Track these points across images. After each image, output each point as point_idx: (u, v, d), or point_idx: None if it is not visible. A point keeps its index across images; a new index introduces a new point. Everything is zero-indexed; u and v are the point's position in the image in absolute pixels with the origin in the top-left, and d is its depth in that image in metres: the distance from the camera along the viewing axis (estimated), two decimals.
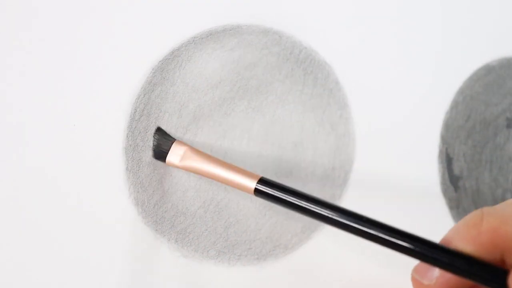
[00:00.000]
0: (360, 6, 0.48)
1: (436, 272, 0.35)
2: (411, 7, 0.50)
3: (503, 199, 0.53)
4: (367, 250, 0.50)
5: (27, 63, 0.41)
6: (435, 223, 0.51)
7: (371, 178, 0.50)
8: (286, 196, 0.40)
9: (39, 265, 0.42)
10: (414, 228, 0.51)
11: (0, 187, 0.41)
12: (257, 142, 0.47)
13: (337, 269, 0.49)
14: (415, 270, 0.38)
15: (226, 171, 0.41)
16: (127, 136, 0.43)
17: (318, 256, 0.48)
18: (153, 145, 0.43)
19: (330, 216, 0.39)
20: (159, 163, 0.43)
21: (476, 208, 0.52)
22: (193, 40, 0.44)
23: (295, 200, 0.39)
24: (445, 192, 0.51)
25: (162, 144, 0.43)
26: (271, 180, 0.41)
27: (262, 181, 0.40)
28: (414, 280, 0.37)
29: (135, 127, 0.43)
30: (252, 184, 0.40)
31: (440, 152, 0.51)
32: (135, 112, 0.43)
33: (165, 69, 0.44)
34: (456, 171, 0.52)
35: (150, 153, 0.43)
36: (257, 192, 0.40)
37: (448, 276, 0.35)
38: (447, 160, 0.51)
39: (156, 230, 0.44)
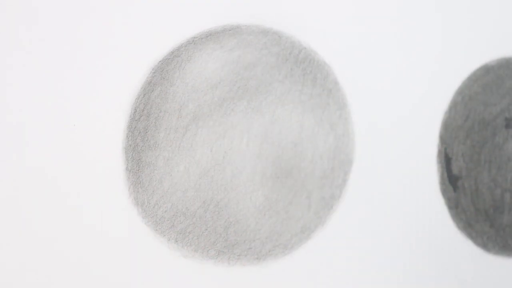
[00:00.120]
0: (359, 6, 0.48)
1: None
2: (410, 7, 0.50)
3: (502, 199, 0.53)
4: (366, 250, 0.50)
5: (27, 63, 0.41)
6: (434, 223, 0.52)
7: (370, 178, 0.50)
8: None
9: (39, 265, 0.42)
10: (413, 228, 0.51)
11: (0, 187, 0.41)
12: (256, 142, 0.47)
13: (337, 269, 0.49)
14: None
15: None
16: (127, 136, 0.43)
17: (318, 256, 0.48)
18: None
19: None
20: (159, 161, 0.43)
21: (475, 207, 0.53)
22: (193, 40, 0.44)
23: None
24: (444, 192, 0.52)
25: None
26: None
27: None
28: None
29: (135, 127, 0.43)
30: None
31: (439, 152, 0.51)
32: (135, 112, 0.43)
33: (165, 69, 0.44)
34: (455, 171, 0.52)
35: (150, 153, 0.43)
36: None
37: None
38: (446, 160, 0.52)
39: (156, 230, 0.44)
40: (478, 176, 0.52)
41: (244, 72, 0.46)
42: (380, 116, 0.50)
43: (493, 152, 0.53)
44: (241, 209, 0.46)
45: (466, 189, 0.52)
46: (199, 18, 0.44)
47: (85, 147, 0.42)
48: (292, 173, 0.48)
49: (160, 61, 0.44)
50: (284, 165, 0.47)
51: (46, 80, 0.41)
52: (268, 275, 0.47)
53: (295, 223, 0.48)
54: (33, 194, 0.41)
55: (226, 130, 0.46)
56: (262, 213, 0.47)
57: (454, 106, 0.52)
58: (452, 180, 0.52)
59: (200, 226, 0.45)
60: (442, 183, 0.51)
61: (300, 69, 0.47)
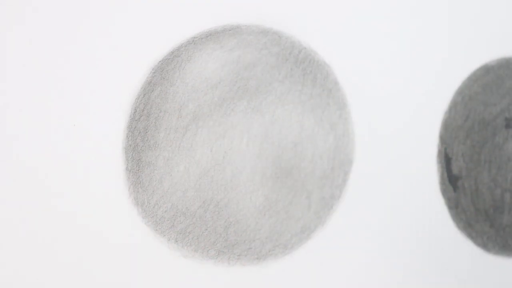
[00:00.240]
0: (359, 7, 0.48)
1: None
2: (410, 8, 0.50)
3: (502, 199, 0.53)
4: (366, 250, 0.50)
5: (27, 63, 0.41)
6: (434, 223, 0.52)
7: (370, 178, 0.50)
8: None
9: (38, 265, 0.42)
10: (413, 228, 0.51)
11: (0, 187, 0.41)
12: (256, 142, 0.47)
13: (337, 269, 0.49)
14: None
15: None
16: (127, 136, 0.43)
17: (318, 256, 0.48)
18: None
19: None
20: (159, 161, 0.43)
21: (475, 207, 0.53)
22: (193, 40, 0.44)
23: None
24: (444, 191, 0.52)
25: None
26: None
27: None
28: None
29: (135, 127, 0.43)
30: None
31: (439, 152, 0.51)
32: (135, 112, 0.43)
33: (165, 69, 0.44)
34: (455, 171, 0.52)
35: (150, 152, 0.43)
36: None
37: None
38: (446, 160, 0.52)
39: (156, 230, 0.44)
40: (478, 176, 0.52)
41: (244, 72, 0.46)
42: (380, 116, 0.50)
43: (493, 152, 0.53)
44: (241, 209, 0.46)
45: (466, 189, 0.52)
46: (199, 18, 0.44)
47: (85, 147, 0.42)
48: (292, 173, 0.48)
49: (160, 61, 0.44)
50: (284, 165, 0.47)
51: (46, 80, 0.41)
52: (268, 275, 0.47)
53: (295, 223, 0.48)
54: (33, 194, 0.41)
55: (226, 130, 0.46)
56: (262, 213, 0.47)
57: (454, 106, 0.51)
58: (452, 180, 0.52)
59: (200, 226, 0.45)
60: (442, 183, 0.51)
61: (300, 69, 0.47)
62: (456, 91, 0.51)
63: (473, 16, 0.51)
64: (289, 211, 0.48)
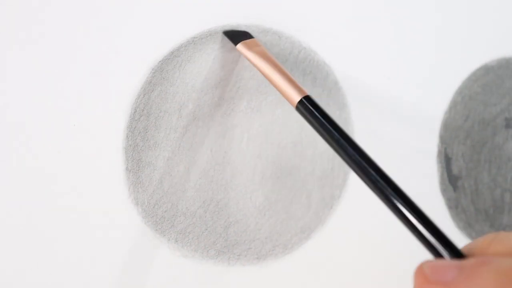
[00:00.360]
0: (359, 6, 0.48)
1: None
2: (410, 8, 0.50)
3: (502, 199, 0.53)
4: (366, 250, 0.50)
5: (26, 63, 0.41)
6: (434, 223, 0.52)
7: None
8: (323, 121, 0.38)
9: (38, 265, 0.42)
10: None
11: (0, 187, 0.41)
12: (256, 142, 0.47)
13: (337, 269, 0.49)
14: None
15: (280, 75, 0.41)
16: (127, 136, 0.43)
17: (318, 256, 0.48)
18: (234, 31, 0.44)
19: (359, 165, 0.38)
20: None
21: (475, 207, 0.53)
22: (193, 40, 0.44)
23: (328, 130, 0.38)
24: (444, 191, 0.52)
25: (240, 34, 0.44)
26: (315, 101, 0.39)
27: (307, 98, 0.39)
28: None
29: (135, 127, 0.43)
30: (297, 97, 0.40)
31: (439, 152, 0.52)
32: (135, 112, 0.43)
33: (165, 69, 0.44)
34: (455, 171, 0.52)
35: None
36: (298, 107, 0.39)
37: None
38: (446, 160, 0.52)
39: (156, 230, 0.44)
40: (478, 176, 0.52)
41: (244, 72, 0.46)
42: (379, 116, 0.50)
43: (493, 152, 0.53)
44: (241, 209, 0.47)
45: (466, 189, 0.52)
46: (199, 18, 0.44)
47: (85, 147, 0.42)
48: (292, 173, 0.48)
49: (160, 61, 0.44)
50: (284, 165, 0.47)
51: (45, 80, 0.41)
52: (268, 275, 0.47)
53: (295, 223, 0.48)
54: (33, 194, 0.41)
55: (226, 130, 0.46)
56: (262, 213, 0.47)
57: (454, 106, 0.52)
58: (452, 180, 0.52)
59: (200, 226, 0.45)
60: (442, 183, 0.51)
61: (300, 69, 0.47)
62: (456, 91, 0.52)
63: (473, 16, 0.52)
64: (289, 211, 0.48)
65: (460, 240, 0.52)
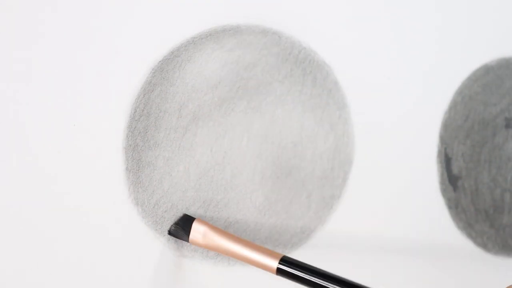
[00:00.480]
0: (359, 7, 0.48)
1: None
2: (410, 8, 0.50)
3: (502, 199, 0.53)
4: (366, 250, 0.50)
5: (27, 64, 0.41)
6: (434, 223, 0.52)
7: (370, 178, 0.50)
8: (309, 276, 0.40)
9: (38, 265, 0.42)
10: (413, 228, 0.51)
11: (0, 187, 0.41)
12: (256, 142, 0.47)
13: (337, 269, 0.49)
14: None
15: (247, 250, 0.41)
16: (127, 136, 0.43)
17: (318, 256, 0.48)
18: (176, 226, 0.44)
19: None
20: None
21: (475, 207, 0.53)
22: (193, 41, 0.44)
23: (318, 280, 0.39)
24: (444, 191, 0.52)
25: (183, 225, 0.44)
26: (293, 260, 0.40)
27: (284, 260, 0.40)
28: None
29: (135, 127, 0.43)
30: (274, 263, 0.40)
31: (439, 152, 0.51)
32: (135, 112, 0.43)
33: (165, 69, 0.44)
34: (455, 171, 0.52)
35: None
36: (279, 271, 0.40)
37: None
38: (446, 160, 0.52)
39: (156, 230, 0.44)
40: (478, 176, 0.52)
41: (244, 72, 0.46)
42: (380, 116, 0.50)
43: (493, 152, 0.53)
44: (241, 209, 0.46)
45: (466, 189, 0.52)
46: (199, 18, 0.44)
47: (85, 147, 0.42)
48: (292, 173, 0.48)
49: (160, 61, 0.44)
50: (284, 165, 0.47)
51: (46, 80, 0.41)
52: (268, 275, 0.47)
53: (295, 223, 0.48)
54: (33, 194, 0.41)
55: (226, 130, 0.46)
56: (262, 213, 0.47)
57: (454, 106, 0.51)
58: (452, 180, 0.52)
59: None
60: (442, 183, 0.51)
61: (300, 69, 0.47)
62: (456, 91, 0.51)
63: (473, 16, 0.51)
64: (289, 211, 0.48)
65: (460, 240, 0.52)
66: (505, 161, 0.53)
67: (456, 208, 0.52)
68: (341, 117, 0.49)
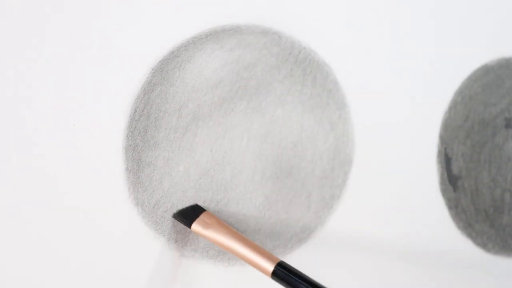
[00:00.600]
0: (359, 7, 0.48)
1: None
2: (410, 8, 0.50)
3: (502, 199, 0.53)
4: (366, 250, 0.50)
5: (27, 64, 0.41)
6: (434, 223, 0.52)
7: (370, 178, 0.50)
8: (302, 283, 0.40)
9: (38, 265, 0.42)
10: (413, 228, 0.51)
11: (0, 187, 0.41)
12: (256, 142, 0.47)
13: (337, 269, 0.49)
14: None
15: (247, 249, 0.42)
16: (127, 136, 0.43)
17: (318, 256, 0.48)
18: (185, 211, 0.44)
19: None
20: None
21: (475, 207, 0.53)
22: (193, 41, 0.44)
23: None
24: (444, 191, 0.52)
25: (191, 213, 0.44)
26: (289, 266, 0.40)
27: (280, 265, 0.40)
28: None
29: (135, 127, 0.43)
30: (270, 266, 0.40)
31: (439, 152, 0.51)
32: (135, 112, 0.43)
33: (165, 69, 0.44)
34: (455, 171, 0.52)
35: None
36: (274, 275, 0.40)
37: None
38: (446, 160, 0.52)
39: (156, 230, 0.44)
40: (478, 176, 0.52)
41: (244, 72, 0.46)
42: (380, 116, 0.50)
43: (493, 152, 0.53)
44: (241, 209, 0.46)
45: (466, 189, 0.52)
46: (199, 18, 0.44)
47: (85, 147, 0.42)
48: (292, 173, 0.48)
49: (160, 61, 0.44)
50: (284, 165, 0.47)
51: (46, 80, 0.41)
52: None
53: (295, 223, 0.48)
54: (33, 194, 0.41)
55: (226, 130, 0.46)
56: (262, 213, 0.47)
57: (454, 106, 0.52)
58: (452, 180, 0.52)
59: None
60: (442, 183, 0.51)
61: (300, 69, 0.47)
62: (456, 91, 0.51)
63: (473, 16, 0.51)
64: (289, 211, 0.48)
65: (460, 240, 0.52)
66: (505, 161, 0.53)
67: (456, 208, 0.52)
68: (341, 117, 0.49)
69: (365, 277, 0.50)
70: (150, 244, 0.44)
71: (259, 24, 0.46)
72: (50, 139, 0.41)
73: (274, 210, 0.47)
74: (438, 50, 0.51)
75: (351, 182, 0.49)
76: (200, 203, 0.45)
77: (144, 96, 0.43)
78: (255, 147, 0.47)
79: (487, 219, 0.53)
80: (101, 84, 0.42)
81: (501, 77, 0.52)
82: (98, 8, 0.42)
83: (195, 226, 0.43)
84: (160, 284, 0.45)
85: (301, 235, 0.48)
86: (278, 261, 0.41)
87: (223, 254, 0.46)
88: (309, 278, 0.40)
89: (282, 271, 0.40)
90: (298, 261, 0.48)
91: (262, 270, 0.41)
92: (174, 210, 0.45)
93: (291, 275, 0.40)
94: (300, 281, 0.40)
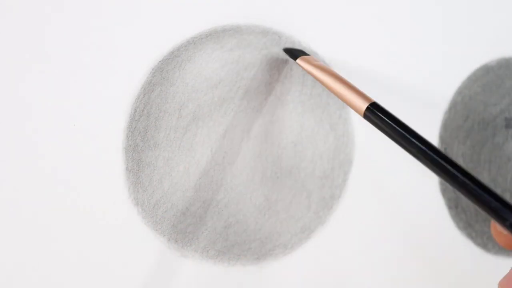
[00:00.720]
0: (359, 6, 0.48)
1: None
2: (410, 8, 0.50)
3: None
4: (366, 250, 0.50)
5: (27, 63, 0.41)
6: (434, 223, 0.52)
7: (370, 178, 0.50)
8: (394, 124, 0.39)
9: (38, 265, 0.42)
10: (413, 228, 0.51)
11: (0, 187, 0.41)
12: (256, 142, 0.47)
13: (337, 269, 0.49)
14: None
15: (343, 85, 0.42)
16: (127, 136, 0.43)
17: (318, 256, 0.48)
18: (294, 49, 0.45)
19: (432, 160, 0.38)
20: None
21: (475, 208, 0.53)
22: (193, 41, 0.44)
23: (401, 134, 0.39)
24: (444, 192, 0.52)
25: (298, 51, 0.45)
26: (383, 108, 0.40)
27: (374, 105, 0.40)
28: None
29: (135, 127, 0.43)
30: (364, 105, 0.40)
31: None
32: (135, 112, 0.43)
33: (165, 69, 0.44)
34: None
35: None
36: (366, 114, 0.40)
37: None
38: None
39: (156, 230, 0.44)
40: (478, 176, 0.52)
41: (244, 72, 0.46)
42: None
43: (493, 152, 0.53)
44: (241, 209, 0.46)
45: None
46: (199, 18, 0.44)
47: (85, 147, 0.42)
48: (292, 173, 0.48)
49: (160, 61, 0.44)
50: (284, 165, 0.47)
51: (46, 80, 0.41)
52: (268, 275, 0.47)
53: (295, 223, 0.48)
54: (33, 194, 0.41)
55: (226, 130, 0.46)
56: (262, 213, 0.47)
57: (454, 106, 0.52)
58: None
59: (200, 226, 0.46)
60: (442, 183, 0.51)
61: (300, 69, 0.47)
62: (456, 91, 0.52)
63: (473, 16, 0.52)
64: (289, 211, 0.48)
65: (460, 240, 0.52)
66: (505, 161, 0.53)
67: (456, 208, 0.52)
68: (341, 117, 0.49)
69: (365, 277, 0.50)
70: (150, 244, 0.44)
71: (259, 24, 0.46)
72: (50, 139, 0.41)
73: (274, 210, 0.47)
74: (438, 50, 0.51)
75: (351, 182, 0.49)
76: (200, 203, 0.45)
77: (144, 96, 0.43)
78: (255, 147, 0.47)
79: (487, 219, 0.53)
80: (101, 84, 0.42)
81: (501, 77, 0.52)
82: (98, 8, 0.42)
83: (300, 60, 0.44)
84: (160, 284, 0.45)
85: (301, 235, 0.48)
86: (371, 101, 0.40)
87: (223, 254, 0.46)
88: (403, 123, 0.39)
89: (375, 111, 0.40)
90: (298, 261, 0.48)
91: (355, 108, 0.41)
92: (174, 210, 0.45)
93: (383, 116, 0.40)
94: (390, 122, 0.39)
